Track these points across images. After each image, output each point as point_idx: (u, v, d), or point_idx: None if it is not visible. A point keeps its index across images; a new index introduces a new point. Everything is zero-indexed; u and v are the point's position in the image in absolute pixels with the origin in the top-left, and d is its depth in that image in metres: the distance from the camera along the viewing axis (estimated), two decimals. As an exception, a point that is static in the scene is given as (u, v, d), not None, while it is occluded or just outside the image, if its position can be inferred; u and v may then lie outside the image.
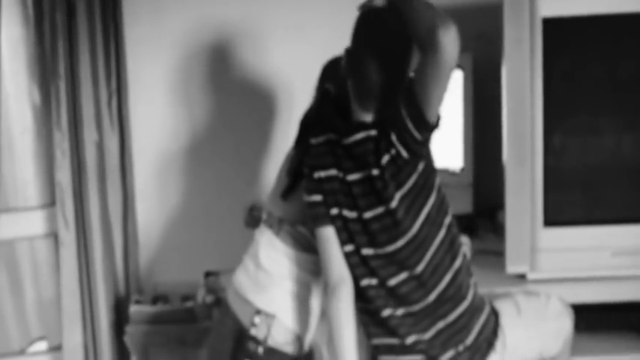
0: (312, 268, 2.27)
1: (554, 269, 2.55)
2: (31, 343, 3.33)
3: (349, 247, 2.09)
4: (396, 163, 1.98)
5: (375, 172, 2.01)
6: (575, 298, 2.41)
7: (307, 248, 2.26)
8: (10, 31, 3.09)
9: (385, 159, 1.99)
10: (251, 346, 2.24)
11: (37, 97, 3.17)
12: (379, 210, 2.03)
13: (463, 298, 2.07)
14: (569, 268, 2.55)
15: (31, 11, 3.09)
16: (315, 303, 2.31)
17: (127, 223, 3.13)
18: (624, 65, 2.54)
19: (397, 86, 2.00)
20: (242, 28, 3.10)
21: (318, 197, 2.11)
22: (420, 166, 2.00)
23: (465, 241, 2.72)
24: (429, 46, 1.84)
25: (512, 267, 2.56)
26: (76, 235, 3.06)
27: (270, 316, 2.24)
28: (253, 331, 2.24)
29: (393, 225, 2.02)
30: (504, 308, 2.19)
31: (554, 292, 2.32)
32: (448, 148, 2.86)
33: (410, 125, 1.94)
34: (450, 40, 1.82)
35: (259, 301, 2.26)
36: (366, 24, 2.06)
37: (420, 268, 2.03)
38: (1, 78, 3.10)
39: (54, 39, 2.95)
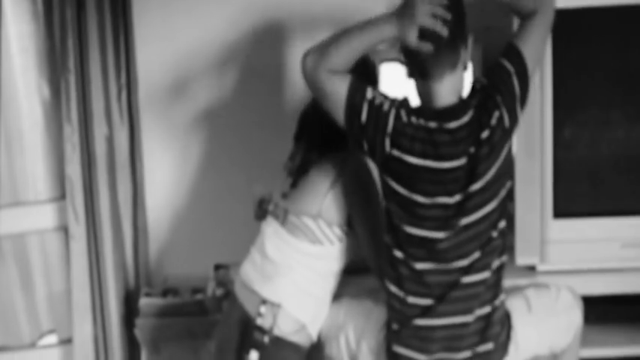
0: (317, 258, 2.29)
1: (564, 261, 2.56)
2: (42, 336, 3.34)
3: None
4: (495, 133, 2.02)
5: (472, 149, 2.03)
6: (585, 289, 2.41)
7: (312, 240, 2.28)
8: (20, 26, 3.10)
9: (485, 133, 2.02)
10: (257, 335, 2.26)
11: (46, 91, 3.18)
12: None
13: (498, 294, 2.12)
14: (579, 260, 2.55)
15: (40, 6, 3.10)
16: (322, 293, 2.33)
17: (136, 216, 3.14)
18: (634, 56, 2.53)
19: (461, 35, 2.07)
20: (252, 21, 3.10)
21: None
22: (510, 141, 2.09)
23: None
24: (546, 6, 2.11)
25: (522, 259, 2.56)
26: (86, 228, 3.07)
27: (275, 306, 2.26)
28: (259, 321, 2.26)
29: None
30: (515, 306, 2.20)
31: (563, 284, 2.32)
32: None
33: (517, 87, 2.06)
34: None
35: (265, 291, 2.28)
36: None
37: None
38: (11, 73, 3.11)
39: (63, 34, 2.96)
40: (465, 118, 2.02)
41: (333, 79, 2.06)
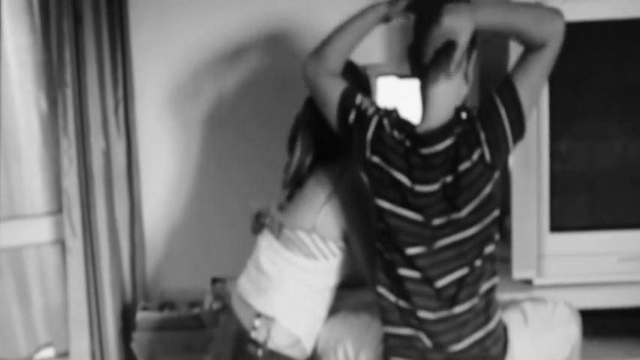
0: (312, 273, 2.29)
1: (561, 275, 2.55)
2: (39, 349, 3.33)
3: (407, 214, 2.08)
4: (476, 168, 1.98)
5: (449, 178, 2.01)
6: (582, 303, 2.41)
7: (307, 254, 2.28)
8: (17, 39, 3.11)
9: (464, 165, 1.99)
10: (251, 349, 2.26)
11: (44, 104, 3.18)
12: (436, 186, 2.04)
13: (491, 317, 2.09)
14: (576, 274, 2.55)
15: (37, 19, 3.10)
16: (316, 307, 2.33)
17: (133, 230, 3.14)
18: (630, 70, 2.54)
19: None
20: (249, 33, 3.11)
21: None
22: (496, 175, 2.02)
23: None
24: (550, 38, 1.94)
25: (518, 272, 2.56)
26: (83, 242, 3.07)
27: (269, 319, 2.26)
28: (253, 334, 2.26)
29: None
30: (512, 318, 2.19)
31: (560, 298, 2.32)
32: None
33: (507, 128, 1.97)
34: (563, 28, 1.96)
35: (259, 304, 2.28)
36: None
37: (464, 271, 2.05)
38: (9, 86, 3.11)
39: (61, 47, 2.96)
40: (440, 147, 2.01)
41: (330, 82, 2.16)
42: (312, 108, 2.32)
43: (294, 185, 2.34)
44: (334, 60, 2.19)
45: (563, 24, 1.96)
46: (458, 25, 1.93)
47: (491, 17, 1.97)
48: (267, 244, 2.35)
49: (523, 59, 2.00)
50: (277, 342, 2.26)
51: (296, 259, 2.28)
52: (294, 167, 2.34)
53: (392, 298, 2.11)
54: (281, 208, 2.36)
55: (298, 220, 2.29)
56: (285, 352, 2.28)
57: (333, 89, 2.15)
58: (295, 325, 2.29)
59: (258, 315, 2.27)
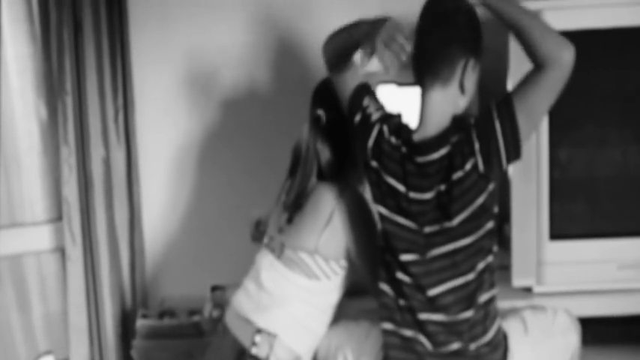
0: (314, 293, 2.28)
1: (561, 282, 2.55)
2: (38, 357, 3.32)
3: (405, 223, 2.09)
4: (469, 177, 1.97)
5: (443, 187, 2.01)
6: (582, 311, 2.40)
7: (309, 275, 2.26)
8: (17, 47, 3.11)
9: (457, 174, 1.98)
10: None
11: (44, 112, 3.18)
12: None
13: (488, 329, 2.08)
14: (576, 282, 2.55)
15: (37, 27, 3.11)
16: (320, 327, 2.31)
17: (133, 237, 3.14)
18: (630, 78, 2.54)
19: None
20: (251, 43, 3.12)
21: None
22: (491, 187, 2.00)
23: None
24: (554, 61, 1.91)
25: (518, 280, 2.56)
26: (83, 250, 3.07)
27: (271, 335, 2.24)
28: (254, 350, 2.23)
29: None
30: (512, 327, 2.19)
31: (560, 306, 2.32)
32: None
33: (501, 143, 1.95)
34: (571, 59, 1.91)
35: (260, 320, 2.26)
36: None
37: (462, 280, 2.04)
38: (9, 94, 3.11)
39: (61, 55, 2.97)
40: (435, 155, 2.02)
41: (345, 72, 2.23)
42: (317, 124, 2.33)
43: (295, 208, 2.32)
44: (331, 58, 2.25)
45: (572, 57, 1.92)
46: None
47: (504, 4, 1.98)
48: (268, 264, 2.32)
49: (526, 80, 1.98)
50: (280, 357, 2.24)
51: (298, 280, 2.26)
52: (296, 191, 2.33)
53: (393, 295, 2.11)
54: (281, 229, 2.34)
55: (300, 242, 2.26)
56: None
57: (348, 82, 2.22)
58: (297, 342, 2.27)
59: (259, 331, 2.25)
